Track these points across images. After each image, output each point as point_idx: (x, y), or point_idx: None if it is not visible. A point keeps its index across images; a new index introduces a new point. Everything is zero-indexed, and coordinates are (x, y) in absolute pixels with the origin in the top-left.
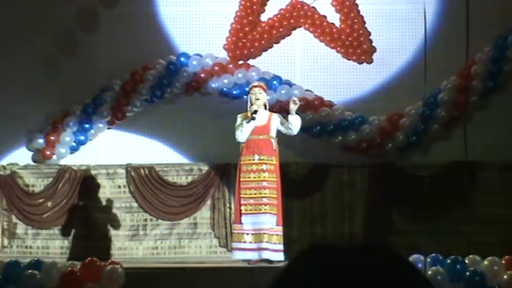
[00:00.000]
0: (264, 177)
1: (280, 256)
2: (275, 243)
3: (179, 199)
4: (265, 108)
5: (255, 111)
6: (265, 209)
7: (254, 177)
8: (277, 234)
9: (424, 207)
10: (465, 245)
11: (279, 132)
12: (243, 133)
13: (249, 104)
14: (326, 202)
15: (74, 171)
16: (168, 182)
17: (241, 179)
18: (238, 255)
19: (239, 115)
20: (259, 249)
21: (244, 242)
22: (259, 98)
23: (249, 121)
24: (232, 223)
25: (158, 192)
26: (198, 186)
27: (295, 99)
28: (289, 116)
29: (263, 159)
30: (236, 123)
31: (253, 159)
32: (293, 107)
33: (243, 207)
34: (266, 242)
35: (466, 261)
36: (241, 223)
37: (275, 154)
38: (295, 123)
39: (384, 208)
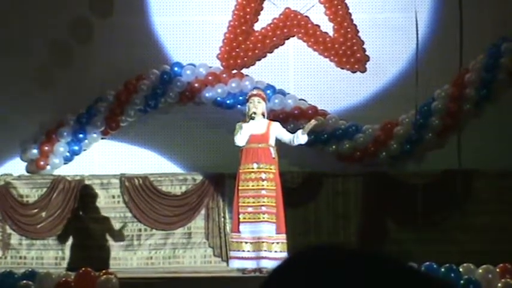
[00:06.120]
0: (263, 185)
1: None
2: (276, 252)
3: (173, 209)
4: (264, 117)
5: (254, 113)
6: (263, 218)
7: (253, 186)
8: (278, 242)
9: (418, 215)
10: (459, 253)
11: (277, 140)
12: (242, 135)
13: (247, 112)
14: (320, 211)
15: (68, 181)
16: (162, 191)
17: (239, 187)
18: (236, 264)
19: (238, 123)
20: (258, 258)
21: (243, 250)
22: (258, 107)
23: (249, 121)
24: (230, 232)
25: (152, 202)
26: (192, 196)
27: (319, 118)
28: (301, 133)
29: (262, 168)
30: (235, 130)
31: (252, 168)
32: (309, 127)
33: (241, 216)
34: (265, 250)
35: (461, 269)
36: (239, 231)
37: (274, 162)
38: (303, 141)
39: (378, 217)
